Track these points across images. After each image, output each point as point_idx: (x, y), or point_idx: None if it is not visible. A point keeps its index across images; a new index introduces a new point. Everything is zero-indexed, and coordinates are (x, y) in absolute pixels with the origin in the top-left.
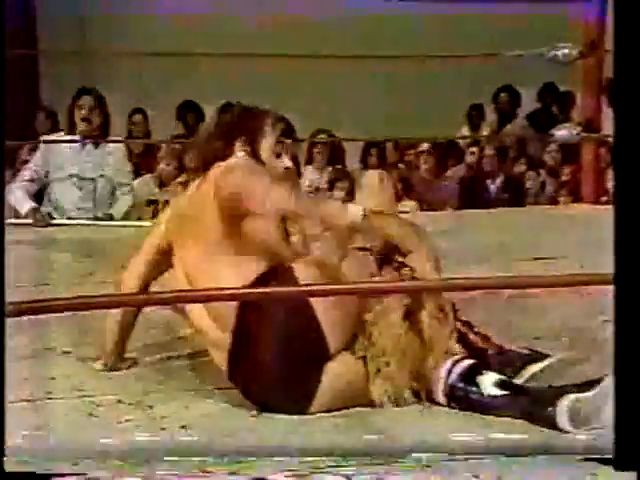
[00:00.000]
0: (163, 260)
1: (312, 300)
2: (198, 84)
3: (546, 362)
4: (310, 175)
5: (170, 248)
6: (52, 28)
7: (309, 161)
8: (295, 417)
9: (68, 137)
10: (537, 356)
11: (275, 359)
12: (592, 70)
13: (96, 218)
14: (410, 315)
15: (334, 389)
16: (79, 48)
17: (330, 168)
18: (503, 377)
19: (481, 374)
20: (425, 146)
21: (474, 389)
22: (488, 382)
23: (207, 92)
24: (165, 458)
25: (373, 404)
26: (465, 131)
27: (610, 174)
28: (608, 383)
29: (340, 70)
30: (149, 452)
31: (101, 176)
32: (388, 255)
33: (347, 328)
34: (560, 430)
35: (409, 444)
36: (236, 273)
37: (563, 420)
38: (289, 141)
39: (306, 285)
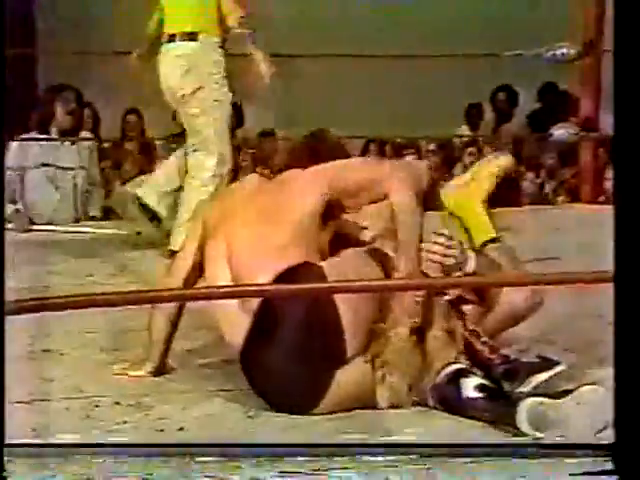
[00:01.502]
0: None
1: (338, 301)
2: None
3: (551, 372)
4: None
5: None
6: (50, 26)
7: None
8: (293, 417)
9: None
10: (545, 365)
11: (290, 354)
12: (590, 70)
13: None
14: (418, 332)
15: (343, 392)
16: (76, 46)
17: None
18: (485, 382)
19: (466, 377)
20: (432, 146)
21: (455, 391)
22: (469, 385)
23: None
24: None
25: (376, 407)
26: (464, 130)
27: (608, 174)
28: (584, 393)
29: (338, 69)
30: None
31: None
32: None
33: (365, 333)
34: (523, 433)
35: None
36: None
37: (522, 421)
38: None
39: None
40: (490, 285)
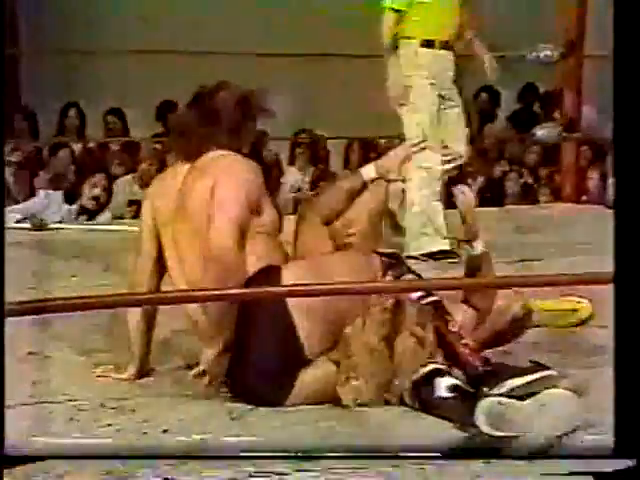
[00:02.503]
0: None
1: (291, 307)
2: (178, 83)
3: (530, 377)
4: (292, 176)
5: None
6: (33, 27)
7: (292, 161)
8: (281, 418)
9: None
10: (530, 369)
11: (256, 357)
12: (573, 71)
13: None
14: (387, 339)
15: (309, 390)
16: (60, 47)
17: (313, 168)
18: (458, 382)
19: (441, 377)
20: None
21: (429, 390)
22: (442, 385)
23: (188, 91)
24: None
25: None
26: None
27: (591, 174)
28: (549, 396)
29: (324, 69)
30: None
31: None
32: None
33: (325, 337)
34: (481, 432)
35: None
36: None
37: (480, 420)
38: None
39: (300, 285)
40: (489, 287)
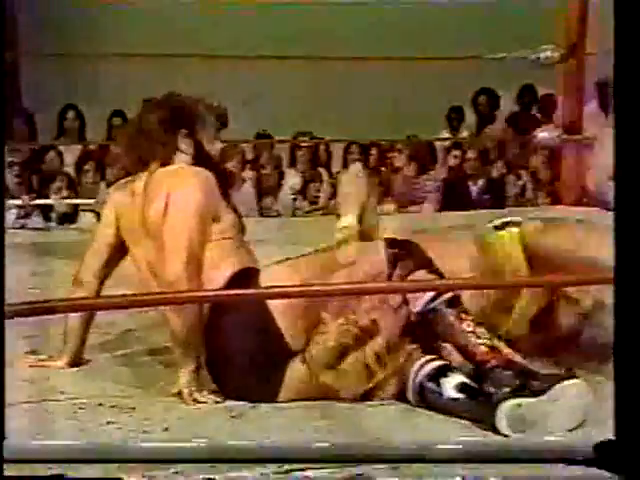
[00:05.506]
0: (116, 256)
1: (271, 306)
2: (178, 86)
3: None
4: (292, 178)
5: (122, 244)
6: (33, 29)
7: (292, 164)
8: (275, 418)
9: None
10: (552, 377)
11: (242, 355)
12: (573, 72)
13: None
14: (344, 352)
15: (299, 382)
16: (59, 50)
17: (313, 172)
18: (466, 380)
19: (446, 376)
20: (406, 151)
21: (436, 390)
22: (450, 384)
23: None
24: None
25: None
26: (445, 134)
27: (590, 176)
28: (559, 390)
29: (321, 72)
30: None
31: None
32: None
33: (304, 332)
34: (502, 434)
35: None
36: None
37: (502, 424)
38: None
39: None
40: (488, 287)
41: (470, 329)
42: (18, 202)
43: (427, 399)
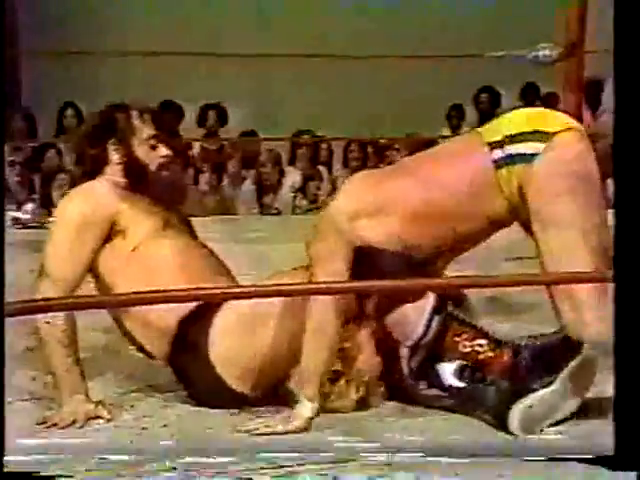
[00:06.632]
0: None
1: (212, 359)
2: (178, 84)
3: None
4: (292, 176)
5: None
6: (32, 27)
7: (292, 162)
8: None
9: None
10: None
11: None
12: (573, 71)
13: None
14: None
15: None
16: (60, 48)
17: (313, 170)
18: (461, 361)
19: (442, 361)
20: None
21: (433, 380)
22: (448, 371)
23: (188, 92)
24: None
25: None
26: (445, 132)
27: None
28: (563, 382)
29: (320, 70)
30: None
31: None
32: None
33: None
34: (510, 433)
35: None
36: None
37: (513, 425)
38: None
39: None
40: (488, 286)
41: (467, 349)
42: (18, 199)
43: (424, 394)
